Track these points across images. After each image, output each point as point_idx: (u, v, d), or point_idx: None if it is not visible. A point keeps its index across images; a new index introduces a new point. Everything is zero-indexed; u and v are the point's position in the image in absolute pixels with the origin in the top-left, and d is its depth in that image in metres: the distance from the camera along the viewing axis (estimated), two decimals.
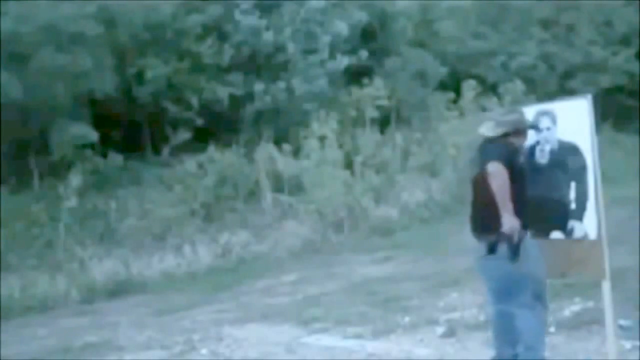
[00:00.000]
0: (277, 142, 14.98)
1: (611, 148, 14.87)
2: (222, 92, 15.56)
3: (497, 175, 4.01)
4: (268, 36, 15.75)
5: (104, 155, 14.53)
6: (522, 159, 4.34)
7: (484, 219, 4.20)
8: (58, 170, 14.00)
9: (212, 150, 14.73)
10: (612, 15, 20.42)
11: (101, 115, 14.99)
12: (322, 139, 14.44)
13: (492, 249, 4.10)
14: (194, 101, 15.47)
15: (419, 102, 17.80)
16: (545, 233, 4.55)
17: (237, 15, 15.73)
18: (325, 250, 12.70)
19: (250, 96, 15.81)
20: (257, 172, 14.47)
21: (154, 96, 15.37)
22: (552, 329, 5.51)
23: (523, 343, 4.21)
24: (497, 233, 4.03)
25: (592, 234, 4.35)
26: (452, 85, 17.97)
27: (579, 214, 4.41)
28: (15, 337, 8.82)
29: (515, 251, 4.04)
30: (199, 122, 15.54)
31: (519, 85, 17.14)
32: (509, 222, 3.98)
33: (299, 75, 15.86)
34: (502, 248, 4.08)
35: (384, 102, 16.44)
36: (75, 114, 14.15)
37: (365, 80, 16.53)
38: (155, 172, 14.85)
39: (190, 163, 14.57)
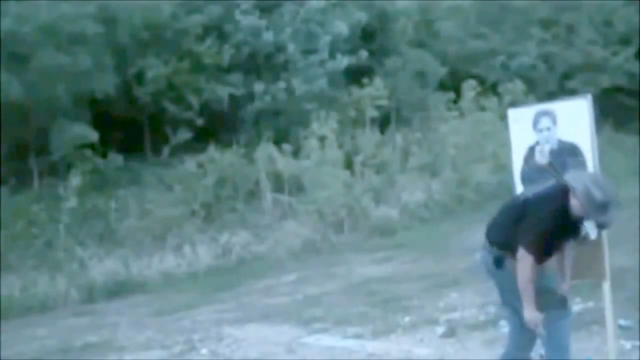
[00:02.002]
0: (277, 142, 14.97)
1: (611, 148, 14.86)
2: (222, 92, 15.56)
3: (522, 262, 3.82)
4: (268, 36, 15.75)
5: (104, 155, 14.52)
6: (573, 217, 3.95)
7: (509, 236, 4.11)
8: (58, 170, 14.01)
9: (212, 150, 14.72)
10: (612, 15, 20.41)
11: (101, 115, 14.99)
12: (322, 139, 14.44)
13: (498, 263, 4.09)
14: (194, 101, 15.47)
15: (419, 102, 17.80)
16: None
17: (237, 15, 15.73)
18: (325, 250, 12.70)
19: (250, 96, 15.81)
20: (257, 172, 14.47)
21: (154, 96, 15.36)
22: None
23: (548, 346, 4.19)
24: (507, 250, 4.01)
25: (592, 235, 4.35)
26: (452, 85, 17.97)
27: None
28: (15, 337, 8.82)
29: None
30: (199, 122, 15.54)
31: (519, 85, 17.13)
32: (529, 314, 3.88)
33: (299, 75, 15.86)
34: (509, 263, 4.05)
35: (384, 102, 16.43)
36: (75, 114, 14.16)
37: (365, 80, 16.52)
38: (155, 172, 14.84)
39: (190, 163, 14.57)
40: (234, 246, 12.72)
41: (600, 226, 3.98)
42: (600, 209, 3.76)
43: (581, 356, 4.83)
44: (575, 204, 3.82)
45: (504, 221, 4.13)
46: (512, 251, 3.95)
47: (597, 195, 3.74)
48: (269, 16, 16.08)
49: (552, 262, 4.04)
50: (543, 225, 3.83)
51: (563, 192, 3.89)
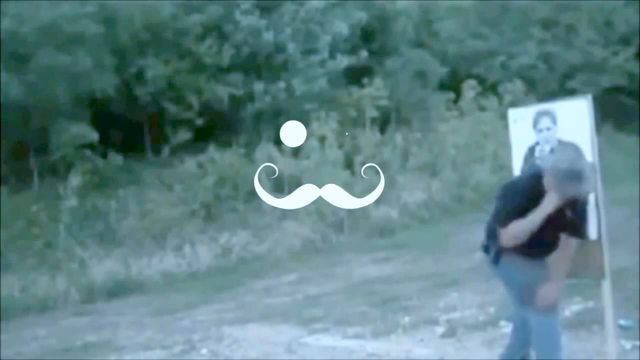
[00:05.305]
0: (277, 142, 14.97)
1: (611, 148, 14.87)
2: (222, 92, 15.58)
3: (503, 235, 3.90)
4: (268, 36, 15.76)
5: (104, 155, 14.53)
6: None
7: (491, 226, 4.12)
8: (58, 170, 14.01)
9: (212, 150, 14.73)
10: (612, 15, 20.45)
11: (101, 115, 15.00)
12: (322, 139, 14.44)
13: (485, 249, 4.12)
14: (194, 101, 15.48)
15: (419, 102, 17.82)
16: None
17: (237, 15, 15.74)
18: (325, 250, 12.70)
19: (250, 96, 15.82)
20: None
21: (154, 96, 15.38)
22: None
23: (535, 349, 4.17)
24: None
25: (592, 234, 4.34)
26: (452, 85, 17.99)
27: None
28: (15, 337, 8.82)
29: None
30: (199, 122, 15.55)
31: (519, 85, 17.16)
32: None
33: (299, 75, 15.87)
34: (506, 260, 4.04)
35: (384, 102, 16.43)
36: (75, 114, 14.17)
37: (365, 80, 16.53)
38: (155, 172, 14.85)
39: (190, 163, 14.57)
40: (234, 246, 12.72)
41: (580, 196, 3.91)
42: (570, 178, 3.72)
43: (581, 356, 4.83)
44: (548, 183, 3.84)
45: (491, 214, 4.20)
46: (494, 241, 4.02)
47: (563, 165, 3.76)
48: (269, 16, 16.08)
49: (550, 260, 4.04)
50: (511, 203, 3.91)
51: (537, 174, 3.97)
